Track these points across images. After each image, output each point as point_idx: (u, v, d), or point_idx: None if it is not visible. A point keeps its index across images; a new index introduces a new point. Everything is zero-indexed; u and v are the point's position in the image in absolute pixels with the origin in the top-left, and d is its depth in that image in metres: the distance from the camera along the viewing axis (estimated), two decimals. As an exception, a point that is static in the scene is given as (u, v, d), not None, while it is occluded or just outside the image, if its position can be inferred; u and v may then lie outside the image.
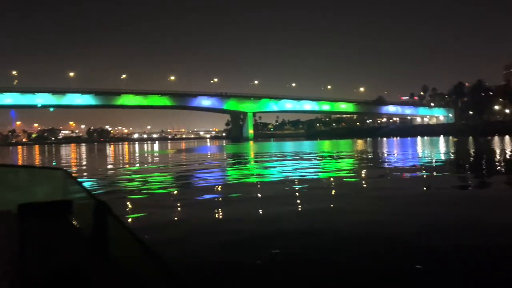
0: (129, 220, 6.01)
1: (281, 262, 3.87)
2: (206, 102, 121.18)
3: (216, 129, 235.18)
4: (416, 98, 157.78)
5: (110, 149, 51.43)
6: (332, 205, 7.01)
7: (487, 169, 13.68)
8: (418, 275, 3.48)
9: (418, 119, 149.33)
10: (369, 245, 4.36)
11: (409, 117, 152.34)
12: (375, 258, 3.94)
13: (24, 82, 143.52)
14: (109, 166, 20.08)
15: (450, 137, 63.25)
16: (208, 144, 71.80)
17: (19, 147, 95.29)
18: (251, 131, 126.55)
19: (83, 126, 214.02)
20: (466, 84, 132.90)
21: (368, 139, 70.93)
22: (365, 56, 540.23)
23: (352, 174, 12.77)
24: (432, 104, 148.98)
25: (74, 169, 18.62)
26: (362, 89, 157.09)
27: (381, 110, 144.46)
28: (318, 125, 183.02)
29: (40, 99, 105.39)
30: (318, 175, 12.60)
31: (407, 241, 4.45)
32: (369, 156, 22.00)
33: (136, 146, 68.09)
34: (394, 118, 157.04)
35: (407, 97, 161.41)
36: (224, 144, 66.26)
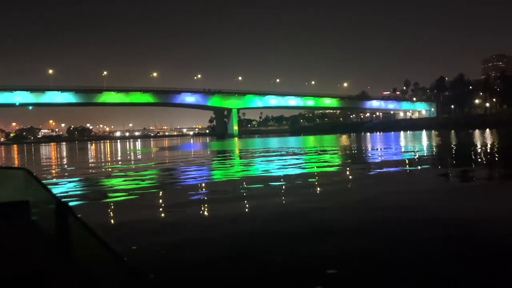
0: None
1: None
2: (190, 98, 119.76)
3: (199, 126, 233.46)
4: (398, 92, 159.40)
5: (92, 148, 50.12)
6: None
7: (469, 162, 13.77)
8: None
9: (401, 114, 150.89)
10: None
11: (392, 112, 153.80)
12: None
13: (1, 81, 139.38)
14: (91, 166, 19.27)
15: (433, 131, 63.86)
16: (192, 141, 70.86)
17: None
18: (236, 128, 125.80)
19: (63, 125, 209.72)
20: (447, 78, 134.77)
21: (353, 134, 71.20)
22: (348, 52, 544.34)
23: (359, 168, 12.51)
24: (415, 99, 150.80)
25: (55, 169, 17.73)
26: (345, 84, 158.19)
27: (364, 105, 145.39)
28: (302, 120, 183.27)
29: (18, 97, 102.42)
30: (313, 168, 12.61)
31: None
32: (354, 151, 22.11)
33: (118, 144, 66.62)
34: (377, 113, 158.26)
35: (389, 92, 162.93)
36: (209, 141, 65.49)
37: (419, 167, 12.53)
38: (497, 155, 16.34)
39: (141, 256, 4.09)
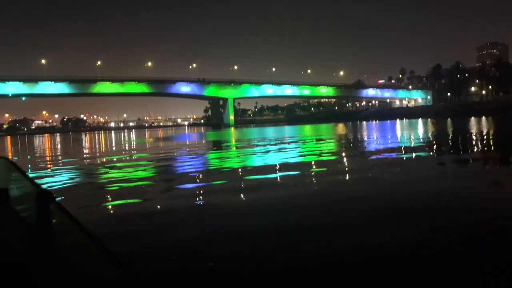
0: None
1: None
2: (185, 88, 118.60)
3: (194, 116, 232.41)
4: (393, 81, 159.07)
5: (86, 139, 49.46)
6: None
7: (466, 149, 13.82)
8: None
9: (397, 102, 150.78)
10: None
11: (388, 100, 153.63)
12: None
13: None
14: (89, 157, 18.80)
15: (429, 119, 63.75)
16: (188, 131, 70.21)
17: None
18: (232, 117, 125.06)
19: (57, 116, 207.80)
20: (442, 67, 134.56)
21: (349, 123, 71.11)
22: (344, 41, 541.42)
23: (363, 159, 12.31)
24: (410, 87, 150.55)
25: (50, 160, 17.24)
26: (341, 73, 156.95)
27: (361, 94, 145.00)
28: (297, 110, 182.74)
29: (11, 87, 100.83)
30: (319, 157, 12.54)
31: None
32: (351, 139, 22.00)
33: (113, 135, 65.91)
34: (373, 102, 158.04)
35: (383, 81, 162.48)
36: (205, 131, 64.85)
37: (424, 154, 12.56)
38: (498, 142, 16.29)
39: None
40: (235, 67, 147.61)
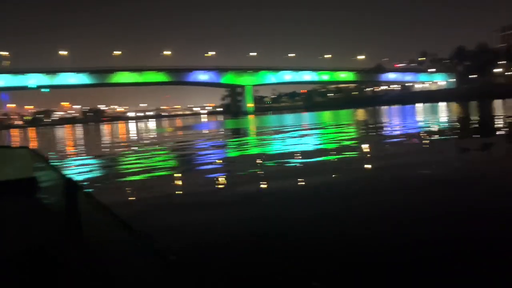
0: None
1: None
2: (203, 76, 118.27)
3: (212, 105, 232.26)
4: (412, 65, 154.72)
5: (108, 129, 49.72)
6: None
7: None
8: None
9: (419, 86, 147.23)
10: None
11: (409, 84, 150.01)
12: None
13: (15, 63, 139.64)
14: (116, 146, 18.65)
15: (453, 103, 62.02)
16: (206, 120, 69.91)
17: (14, 130, 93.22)
18: (250, 105, 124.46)
19: (77, 107, 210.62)
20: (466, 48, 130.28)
21: (369, 108, 70.03)
22: (363, 23, 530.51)
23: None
24: (433, 70, 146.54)
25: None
26: (361, 57, 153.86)
27: (381, 78, 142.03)
28: (315, 96, 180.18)
29: (33, 79, 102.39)
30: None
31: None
32: (376, 125, 21.34)
33: (133, 125, 66.18)
34: (393, 86, 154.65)
35: (402, 64, 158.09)
36: (223, 119, 64.44)
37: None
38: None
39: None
40: (253, 53, 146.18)
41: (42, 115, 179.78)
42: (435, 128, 16.41)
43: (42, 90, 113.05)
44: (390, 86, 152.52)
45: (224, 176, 7.81)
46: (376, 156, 9.41)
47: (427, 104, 65.18)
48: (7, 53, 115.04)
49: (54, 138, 33.52)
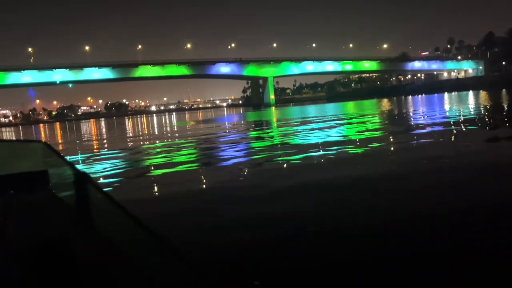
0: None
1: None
2: (224, 69, 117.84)
3: (232, 97, 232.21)
4: (437, 53, 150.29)
5: (134, 123, 49.84)
6: None
7: None
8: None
9: (445, 74, 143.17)
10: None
11: (435, 73, 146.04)
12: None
13: (40, 59, 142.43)
14: (145, 139, 18.34)
15: (482, 91, 59.83)
16: (227, 112, 69.46)
17: (41, 125, 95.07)
18: (272, 97, 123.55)
19: (100, 101, 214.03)
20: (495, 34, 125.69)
21: (394, 98, 68.75)
22: (387, 12, 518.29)
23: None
24: (460, 57, 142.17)
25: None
26: (385, 46, 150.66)
27: (406, 67, 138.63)
28: (338, 86, 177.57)
29: (58, 75, 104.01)
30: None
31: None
32: (405, 115, 20.62)
33: (155, 118, 66.37)
34: (418, 75, 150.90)
35: (427, 53, 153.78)
36: (244, 112, 63.86)
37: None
38: None
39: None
40: (274, 44, 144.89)
41: (66, 111, 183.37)
42: (480, 117, 15.54)
43: (70, 85, 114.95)
44: (417, 75, 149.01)
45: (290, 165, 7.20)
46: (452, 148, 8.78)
47: (455, 93, 63.06)
48: (31, 49, 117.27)
49: (83, 132, 33.63)
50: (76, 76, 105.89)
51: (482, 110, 19.69)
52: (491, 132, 11.19)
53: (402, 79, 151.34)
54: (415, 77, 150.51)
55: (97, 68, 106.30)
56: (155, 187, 6.93)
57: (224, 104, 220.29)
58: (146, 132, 26.17)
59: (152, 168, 9.06)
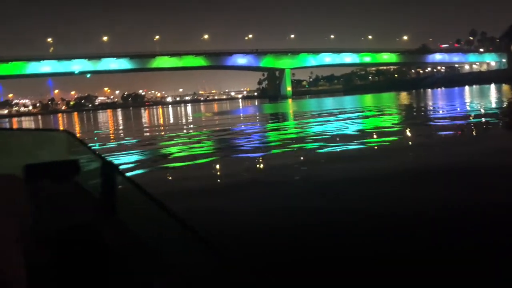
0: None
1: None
2: (241, 60, 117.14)
3: (248, 89, 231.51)
4: (457, 45, 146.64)
5: (150, 114, 49.77)
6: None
7: None
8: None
9: (467, 67, 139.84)
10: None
11: (456, 65, 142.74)
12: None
13: (59, 49, 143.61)
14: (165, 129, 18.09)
15: (505, 84, 58.09)
16: (243, 104, 68.87)
17: (59, 115, 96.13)
18: (289, 89, 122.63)
19: (117, 92, 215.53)
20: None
21: (414, 91, 67.51)
22: (407, 3, 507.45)
23: None
24: (482, 50, 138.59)
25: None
26: (405, 37, 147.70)
27: (426, 59, 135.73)
28: (355, 79, 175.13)
29: (77, 65, 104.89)
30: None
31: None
32: (428, 109, 20.00)
33: (170, 109, 66.25)
34: (438, 67, 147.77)
35: (447, 45, 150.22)
36: (260, 104, 63.16)
37: None
38: None
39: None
40: (292, 36, 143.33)
41: (83, 101, 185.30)
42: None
43: (88, 75, 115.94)
44: (436, 67, 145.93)
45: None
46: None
47: (476, 87, 61.46)
48: (50, 39, 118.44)
49: (101, 122, 33.62)
50: (94, 66, 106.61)
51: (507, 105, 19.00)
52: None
53: (421, 71, 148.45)
54: (434, 70, 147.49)
55: (115, 58, 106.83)
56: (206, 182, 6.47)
57: (239, 96, 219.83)
58: (164, 122, 25.92)
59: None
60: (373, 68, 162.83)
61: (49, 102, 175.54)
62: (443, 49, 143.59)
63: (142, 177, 6.85)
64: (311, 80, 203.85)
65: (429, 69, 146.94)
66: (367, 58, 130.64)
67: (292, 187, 5.49)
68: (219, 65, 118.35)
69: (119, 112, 75.53)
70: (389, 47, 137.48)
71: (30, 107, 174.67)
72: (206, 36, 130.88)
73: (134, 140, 14.58)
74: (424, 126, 12.58)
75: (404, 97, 40.70)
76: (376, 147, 8.80)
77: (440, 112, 17.81)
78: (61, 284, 1.19)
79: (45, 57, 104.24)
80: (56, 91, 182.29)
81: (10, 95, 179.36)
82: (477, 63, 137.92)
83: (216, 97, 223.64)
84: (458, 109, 18.40)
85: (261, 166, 7.67)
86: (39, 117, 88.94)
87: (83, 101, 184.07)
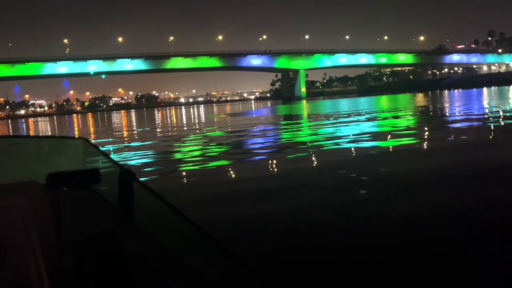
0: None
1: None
2: (256, 61, 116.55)
3: (260, 90, 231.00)
4: (473, 46, 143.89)
5: (164, 115, 49.46)
6: None
7: None
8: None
9: (484, 68, 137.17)
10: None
11: (474, 66, 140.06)
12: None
13: (74, 50, 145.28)
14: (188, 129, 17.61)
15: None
16: (256, 105, 68.07)
17: (74, 115, 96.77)
18: (303, 90, 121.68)
19: (131, 93, 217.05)
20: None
21: (430, 92, 66.29)
22: (423, 3, 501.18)
23: None
24: (500, 51, 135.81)
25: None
26: (421, 38, 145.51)
27: (443, 60, 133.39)
28: (370, 80, 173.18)
29: (92, 66, 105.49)
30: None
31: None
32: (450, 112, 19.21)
33: (183, 110, 65.85)
34: (455, 68, 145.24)
35: (462, 46, 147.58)
36: (273, 105, 62.25)
37: None
38: None
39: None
40: (306, 36, 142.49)
41: (98, 101, 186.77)
42: None
43: (103, 76, 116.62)
44: (453, 68, 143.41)
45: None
46: None
47: (495, 88, 59.93)
48: (66, 40, 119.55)
49: (116, 122, 33.33)
50: (109, 67, 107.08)
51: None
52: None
53: (437, 73, 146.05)
54: (451, 71, 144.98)
55: (129, 59, 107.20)
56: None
57: (252, 97, 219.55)
58: (177, 123, 25.42)
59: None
60: (388, 69, 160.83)
61: (64, 103, 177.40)
62: (462, 49, 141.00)
63: (189, 178, 6.38)
64: (324, 81, 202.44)
65: (445, 70, 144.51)
66: (382, 59, 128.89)
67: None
68: (233, 66, 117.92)
69: (133, 113, 75.48)
70: (405, 47, 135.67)
71: (46, 108, 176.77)
72: (220, 37, 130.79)
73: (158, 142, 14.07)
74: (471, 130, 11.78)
75: (421, 98, 39.66)
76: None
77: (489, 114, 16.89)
78: None
79: (62, 58, 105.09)
80: (71, 91, 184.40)
81: (27, 96, 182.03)
82: (495, 64, 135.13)
83: (228, 98, 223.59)
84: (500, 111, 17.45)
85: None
86: (55, 117, 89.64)
87: (97, 102, 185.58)
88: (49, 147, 2.24)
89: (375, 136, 11.25)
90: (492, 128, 11.36)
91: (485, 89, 59.38)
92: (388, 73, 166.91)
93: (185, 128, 20.89)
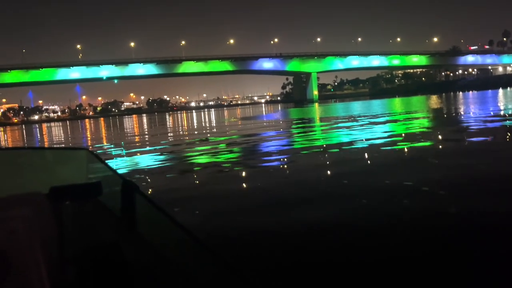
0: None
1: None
2: (267, 64, 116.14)
3: (270, 94, 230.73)
4: (486, 46, 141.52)
5: (177, 118, 49.11)
6: None
7: None
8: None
9: (500, 69, 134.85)
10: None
11: (489, 67, 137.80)
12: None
13: (87, 56, 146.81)
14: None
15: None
16: (267, 109, 67.25)
17: (87, 120, 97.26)
18: (315, 92, 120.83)
19: (142, 97, 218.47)
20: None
21: (445, 94, 65.14)
22: (437, 4, 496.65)
23: None
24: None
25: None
26: (435, 39, 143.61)
27: (458, 61, 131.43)
28: (382, 82, 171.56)
29: (105, 71, 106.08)
30: None
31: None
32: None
33: (194, 114, 65.43)
34: (470, 70, 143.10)
35: (475, 47, 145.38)
36: (284, 108, 61.32)
37: None
38: None
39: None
40: (318, 39, 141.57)
41: (110, 106, 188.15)
42: None
43: (116, 81, 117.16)
44: (468, 70, 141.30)
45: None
46: None
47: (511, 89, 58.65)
48: (79, 46, 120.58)
49: (128, 127, 33.02)
50: (122, 72, 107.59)
51: None
52: None
53: (450, 74, 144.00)
54: (465, 72, 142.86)
55: (141, 64, 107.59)
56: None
57: (263, 100, 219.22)
58: (190, 128, 24.90)
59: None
60: (400, 72, 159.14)
61: (77, 108, 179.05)
62: (476, 50, 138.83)
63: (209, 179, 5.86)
64: (335, 84, 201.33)
65: (460, 71, 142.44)
66: (396, 61, 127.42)
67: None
68: (245, 69, 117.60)
69: (144, 117, 75.36)
70: (418, 49, 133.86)
71: (59, 113, 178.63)
72: (232, 41, 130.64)
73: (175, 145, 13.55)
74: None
75: (436, 101, 38.64)
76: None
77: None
78: None
79: (75, 63, 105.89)
80: (84, 97, 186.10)
81: (40, 102, 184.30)
82: (511, 65, 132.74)
83: (239, 102, 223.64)
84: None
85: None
86: (67, 122, 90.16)
87: (109, 106, 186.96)
88: (52, 158, 2.25)
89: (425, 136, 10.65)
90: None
91: (501, 90, 58.06)
92: (400, 75, 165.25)
93: (214, 131, 20.40)
